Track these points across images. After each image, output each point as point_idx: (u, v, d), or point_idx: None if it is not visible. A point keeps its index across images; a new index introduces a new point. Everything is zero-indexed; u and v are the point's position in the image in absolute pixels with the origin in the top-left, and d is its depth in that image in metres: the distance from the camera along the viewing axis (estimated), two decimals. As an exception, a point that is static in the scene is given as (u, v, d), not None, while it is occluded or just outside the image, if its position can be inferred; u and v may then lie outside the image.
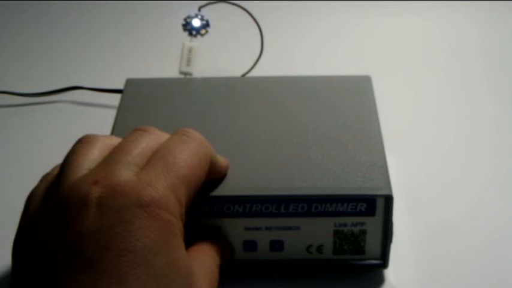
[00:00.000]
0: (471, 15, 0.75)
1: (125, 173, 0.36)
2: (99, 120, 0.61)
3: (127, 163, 0.37)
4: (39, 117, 0.63)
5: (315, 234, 0.44)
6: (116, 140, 0.40)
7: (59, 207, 0.35)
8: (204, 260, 0.40)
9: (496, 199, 0.52)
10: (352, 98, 0.51)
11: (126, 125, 0.49)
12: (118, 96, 0.54)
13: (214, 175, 0.42)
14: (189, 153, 0.38)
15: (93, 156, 0.38)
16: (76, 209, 0.35)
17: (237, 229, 0.44)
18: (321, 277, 0.45)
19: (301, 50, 0.71)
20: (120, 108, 0.51)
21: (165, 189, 0.36)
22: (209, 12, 0.60)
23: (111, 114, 0.52)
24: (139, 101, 0.52)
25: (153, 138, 0.39)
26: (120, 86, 0.54)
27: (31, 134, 0.61)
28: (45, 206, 0.37)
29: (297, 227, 0.44)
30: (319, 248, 0.44)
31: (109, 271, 0.33)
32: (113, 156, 0.38)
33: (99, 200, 0.34)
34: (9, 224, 0.50)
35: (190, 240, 0.42)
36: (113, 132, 0.48)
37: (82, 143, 0.39)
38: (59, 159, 0.40)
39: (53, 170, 0.41)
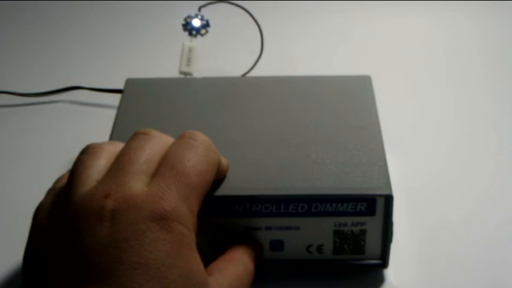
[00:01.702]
0: (471, 15, 0.75)
1: (136, 185, 0.36)
2: (99, 120, 0.61)
3: (136, 173, 0.36)
4: (39, 117, 0.63)
5: (315, 234, 0.44)
6: (120, 146, 0.40)
7: (70, 221, 0.35)
8: (231, 271, 0.40)
9: (496, 199, 0.52)
10: (352, 98, 0.51)
11: (126, 125, 0.49)
12: (118, 96, 0.54)
13: (217, 176, 0.42)
14: (198, 160, 0.38)
15: (100, 167, 0.38)
16: (89, 223, 0.34)
17: (237, 229, 0.43)
18: (321, 277, 0.45)
19: (301, 50, 0.71)
20: (120, 108, 0.51)
21: (177, 201, 0.35)
22: (209, 12, 0.60)
23: (111, 114, 0.52)
24: (139, 101, 0.52)
25: (157, 142, 0.39)
26: (120, 86, 0.54)
27: (31, 134, 0.61)
28: (54, 220, 0.36)
29: (297, 226, 0.43)
30: (319, 248, 0.44)
31: (123, 284, 0.32)
32: (120, 167, 0.37)
33: (112, 214, 0.34)
34: (9, 224, 0.50)
35: (220, 246, 0.42)
36: (113, 132, 0.48)
37: (88, 154, 0.39)
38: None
39: (56, 182, 0.41)
